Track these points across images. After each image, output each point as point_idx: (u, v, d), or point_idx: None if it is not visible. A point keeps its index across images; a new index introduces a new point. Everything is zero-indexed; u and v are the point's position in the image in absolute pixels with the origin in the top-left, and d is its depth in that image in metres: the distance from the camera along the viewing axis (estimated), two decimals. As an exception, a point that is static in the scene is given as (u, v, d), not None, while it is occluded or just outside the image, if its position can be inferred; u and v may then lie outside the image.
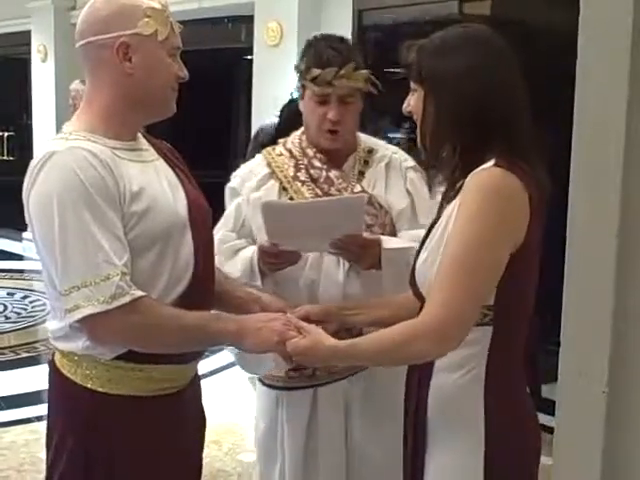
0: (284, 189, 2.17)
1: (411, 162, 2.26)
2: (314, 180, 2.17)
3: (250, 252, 2.09)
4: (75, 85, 6.08)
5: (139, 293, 1.58)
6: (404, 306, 1.66)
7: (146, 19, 1.66)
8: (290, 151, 2.22)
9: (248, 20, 6.30)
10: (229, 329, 1.65)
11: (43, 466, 3.63)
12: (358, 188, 2.18)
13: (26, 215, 1.65)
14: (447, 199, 1.59)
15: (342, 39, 2.21)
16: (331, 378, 2.16)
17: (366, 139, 2.29)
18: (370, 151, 2.25)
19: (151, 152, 1.78)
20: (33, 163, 1.61)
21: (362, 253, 2.04)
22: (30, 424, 4.17)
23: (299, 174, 2.18)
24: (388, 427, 2.15)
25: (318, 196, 2.14)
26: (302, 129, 2.26)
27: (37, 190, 1.59)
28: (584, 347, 1.88)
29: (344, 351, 1.56)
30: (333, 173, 2.19)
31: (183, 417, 1.78)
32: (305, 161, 2.19)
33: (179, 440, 1.76)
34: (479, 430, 1.55)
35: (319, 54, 2.12)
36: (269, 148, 2.29)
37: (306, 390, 2.18)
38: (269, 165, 2.21)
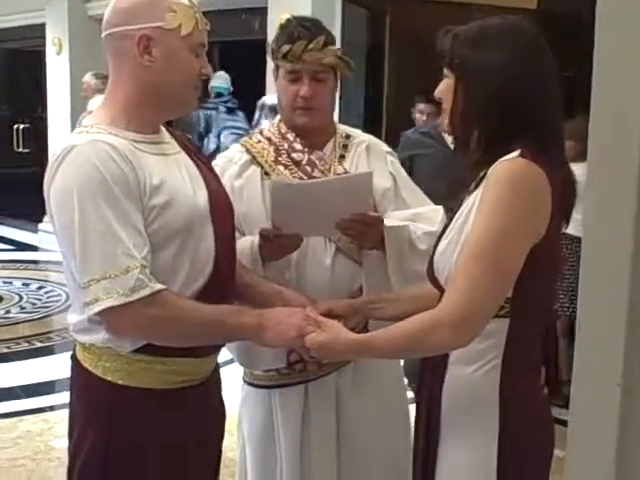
0: (266, 174, 2.16)
1: (387, 147, 2.31)
2: (296, 163, 2.17)
3: (249, 241, 2.07)
4: (86, 77, 6.08)
5: (159, 286, 1.58)
6: (430, 299, 1.64)
7: (171, 13, 1.65)
8: (269, 138, 2.21)
9: (262, 12, 6.30)
10: (249, 323, 1.65)
11: (56, 454, 3.71)
12: (340, 169, 2.18)
13: (47, 208, 1.66)
14: (469, 189, 1.58)
15: (312, 19, 2.23)
16: (322, 372, 2.16)
17: (343, 127, 2.31)
18: (348, 136, 2.26)
19: (173, 145, 1.78)
20: (54, 156, 1.61)
21: (367, 231, 2.02)
22: (44, 413, 4.21)
23: (280, 158, 2.17)
24: (378, 419, 2.20)
25: (302, 179, 2.13)
26: (278, 117, 2.27)
27: (57, 183, 1.60)
28: (599, 340, 1.88)
29: (362, 345, 1.55)
30: (315, 155, 2.19)
31: (203, 410, 1.78)
32: (285, 145, 2.19)
33: (199, 432, 1.76)
34: (493, 424, 1.54)
35: (289, 31, 2.12)
36: (246, 137, 2.30)
37: (298, 386, 2.17)
38: (248, 152, 2.20)
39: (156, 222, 1.63)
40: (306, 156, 2.18)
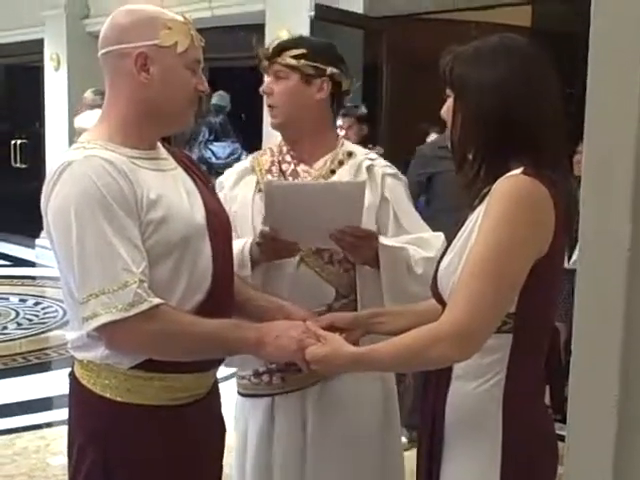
0: (258, 183, 2.23)
1: (392, 169, 2.27)
2: (282, 172, 2.24)
3: (241, 243, 2.10)
4: (87, 93, 6.08)
5: (157, 300, 1.58)
6: (433, 314, 1.63)
7: (166, 30, 1.67)
8: (271, 150, 2.30)
9: (260, 29, 6.33)
10: (248, 337, 1.65)
11: (53, 472, 3.69)
12: (322, 181, 2.19)
13: (44, 224, 1.66)
14: (471, 206, 1.59)
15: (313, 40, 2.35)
16: (288, 387, 2.17)
17: (352, 146, 2.33)
18: (350, 154, 2.26)
19: (170, 161, 1.79)
20: (51, 172, 1.62)
21: (359, 244, 2.03)
22: (40, 430, 4.19)
23: (272, 168, 2.25)
24: (344, 440, 2.17)
25: None
26: None
27: (55, 199, 1.60)
28: (595, 353, 1.88)
29: (362, 358, 1.55)
30: (301, 167, 2.24)
31: (203, 425, 1.78)
32: (280, 157, 2.27)
33: (199, 448, 1.76)
34: (496, 440, 1.53)
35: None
36: (260, 151, 2.38)
37: (265, 398, 2.20)
38: (251, 163, 2.30)
39: (153, 237, 1.63)
40: (292, 167, 2.24)
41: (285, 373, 2.14)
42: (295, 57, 2.17)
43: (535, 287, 1.48)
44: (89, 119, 4.88)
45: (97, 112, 6.18)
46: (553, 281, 1.57)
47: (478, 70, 1.54)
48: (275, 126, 2.24)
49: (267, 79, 2.23)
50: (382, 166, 2.26)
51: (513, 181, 1.48)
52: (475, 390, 1.56)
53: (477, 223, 1.52)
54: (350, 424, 2.19)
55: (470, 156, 1.57)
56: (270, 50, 2.19)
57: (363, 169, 2.23)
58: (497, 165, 1.52)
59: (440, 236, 2.19)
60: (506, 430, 1.53)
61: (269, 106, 2.22)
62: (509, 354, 1.53)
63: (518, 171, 1.49)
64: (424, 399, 1.69)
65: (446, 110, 1.63)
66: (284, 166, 2.25)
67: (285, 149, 2.27)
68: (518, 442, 1.54)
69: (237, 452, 2.30)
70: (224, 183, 2.30)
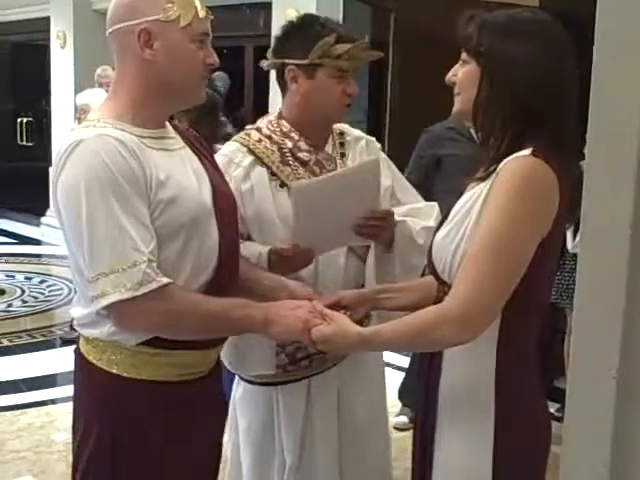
0: (273, 174, 2.13)
1: (378, 144, 2.35)
2: (303, 163, 2.15)
3: (256, 252, 2.05)
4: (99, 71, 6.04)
5: (165, 280, 1.59)
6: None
7: (169, 5, 1.65)
8: (269, 137, 2.17)
9: (267, 7, 6.30)
10: (255, 316, 1.65)
11: (57, 448, 3.72)
12: (349, 165, 2.20)
13: (53, 202, 1.66)
14: (477, 179, 1.57)
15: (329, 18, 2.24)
16: (325, 365, 2.18)
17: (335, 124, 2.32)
18: (342, 133, 2.27)
19: (177, 140, 1.78)
20: (61, 150, 1.61)
21: (381, 227, 2.05)
22: (45, 407, 4.22)
23: (286, 158, 2.15)
24: (373, 396, 2.29)
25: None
26: (276, 114, 2.23)
27: (65, 177, 1.60)
28: (595, 332, 1.88)
29: (368, 338, 1.55)
30: (322, 155, 2.19)
31: (206, 402, 1.79)
32: (289, 145, 2.16)
33: (203, 425, 1.77)
34: (489, 420, 1.54)
35: (336, 31, 2.10)
36: (243, 134, 2.22)
37: (302, 381, 2.19)
38: (251, 152, 2.15)
39: (162, 217, 1.63)
40: (313, 156, 2.17)
41: (323, 353, 2.10)
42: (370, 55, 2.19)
43: (530, 268, 1.47)
44: (89, 97, 4.88)
45: (98, 90, 6.14)
46: (548, 263, 1.56)
47: (511, 43, 1.51)
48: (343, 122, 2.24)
49: (349, 80, 2.13)
50: (372, 140, 2.32)
51: (520, 162, 1.47)
52: (467, 370, 1.56)
53: (479, 199, 1.51)
54: (375, 390, 2.30)
55: (495, 128, 1.54)
56: (350, 49, 2.10)
57: (371, 147, 2.28)
58: (519, 141, 1.50)
59: (435, 205, 2.23)
60: (498, 410, 1.54)
61: (348, 105, 2.17)
62: (497, 334, 1.52)
63: (527, 152, 1.48)
64: (418, 380, 1.70)
65: (463, 78, 1.58)
66: (302, 155, 2.16)
67: (296, 135, 2.17)
68: (510, 422, 1.54)
69: (256, 435, 2.26)
70: (224, 173, 2.13)
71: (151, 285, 1.56)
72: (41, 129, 9.96)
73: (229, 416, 2.28)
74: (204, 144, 1.89)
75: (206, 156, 1.85)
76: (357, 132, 2.32)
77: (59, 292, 6.59)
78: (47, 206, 8.03)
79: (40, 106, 10.03)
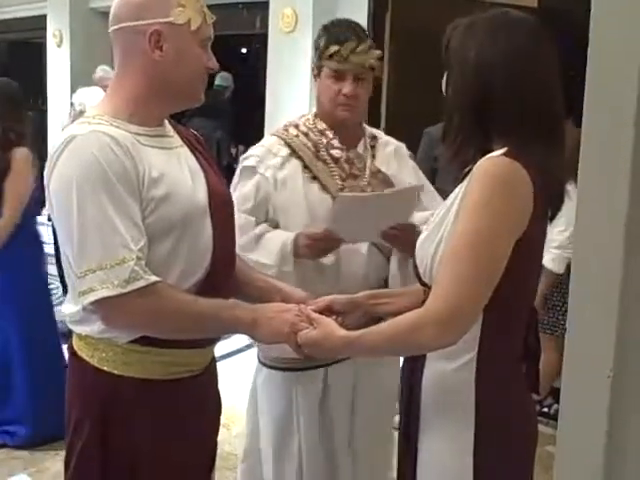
0: (306, 167, 2.29)
1: (407, 150, 2.51)
2: (335, 160, 2.30)
3: (283, 237, 2.20)
4: (101, 73, 6.01)
5: (154, 278, 1.59)
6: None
7: (180, 8, 1.66)
8: (306, 134, 2.33)
9: (263, 7, 6.29)
10: (243, 318, 1.66)
11: (52, 445, 3.69)
12: (374, 168, 2.33)
13: (47, 197, 1.66)
14: (458, 180, 1.59)
15: (357, 23, 2.37)
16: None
17: (369, 128, 2.47)
18: (374, 137, 2.43)
19: (175, 139, 1.79)
20: (55, 146, 1.62)
21: (408, 237, 2.12)
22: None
23: (320, 154, 2.30)
24: (387, 382, 2.37)
25: (341, 175, 2.29)
26: (313, 113, 2.39)
27: (58, 173, 1.61)
28: (590, 331, 1.88)
29: (354, 342, 1.55)
30: (352, 153, 2.33)
31: (199, 401, 1.80)
32: (324, 141, 2.32)
33: (195, 423, 1.78)
34: (470, 420, 1.54)
35: (337, 33, 2.26)
36: (281, 129, 2.38)
37: (318, 369, 2.29)
38: (288, 145, 2.31)
39: (153, 214, 1.64)
40: (344, 154, 2.32)
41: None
42: (375, 58, 2.28)
43: (510, 269, 1.46)
44: (85, 96, 4.87)
45: (94, 89, 6.06)
46: (530, 263, 1.57)
47: (464, 43, 1.54)
48: (350, 122, 2.32)
49: (347, 81, 2.24)
50: (402, 146, 2.48)
51: (491, 163, 1.47)
52: (448, 370, 1.57)
53: (455, 201, 1.52)
54: (388, 377, 2.37)
55: (456, 128, 1.57)
56: (353, 51, 2.22)
57: (400, 154, 2.44)
58: (477, 141, 1.53)
59: None
60: (479, 410, 1.54)
61: (347, 105, 2.26)
62: (479, 334, 1.53)
63: (500, 152, 1.48)
64: (402, 378, 1.71)
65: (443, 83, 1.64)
66: (335, 152, 2.31)
67: (330, 134, 2.32)
68: (491, 422, 1.55)
69: (276, 418, 2.36)
70: (257, 168, 2.30)
71: (139, 283, 1.56)
72: (37, 128, 9.92)
73: (248, 404, 2.46)
74: (203, 144, 1.90)
75: (204, 155, 1.86)
76: (386, 138, 2.48)
77: (54, 291, 6.56)
78: (43, 205, 7.99)
79: (36, 104, 10.00)
